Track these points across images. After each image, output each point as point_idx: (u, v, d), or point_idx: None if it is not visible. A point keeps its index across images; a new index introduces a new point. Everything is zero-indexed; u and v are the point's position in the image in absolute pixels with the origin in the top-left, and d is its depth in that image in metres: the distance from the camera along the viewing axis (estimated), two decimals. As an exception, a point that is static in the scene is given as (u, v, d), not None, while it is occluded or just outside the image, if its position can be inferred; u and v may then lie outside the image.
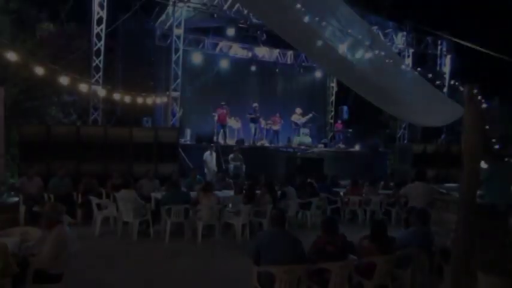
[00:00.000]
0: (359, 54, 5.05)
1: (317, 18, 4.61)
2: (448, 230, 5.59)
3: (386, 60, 5.02)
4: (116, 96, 9.53)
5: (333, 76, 17.86)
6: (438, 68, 15.73)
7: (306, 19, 4.57)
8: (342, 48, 4.97)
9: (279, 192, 8.22)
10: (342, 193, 9.63)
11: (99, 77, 10.85)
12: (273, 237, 3.89)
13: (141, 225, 7.13)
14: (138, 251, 6.34)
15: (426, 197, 6.09)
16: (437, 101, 6.47)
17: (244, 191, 7.97)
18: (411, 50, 15.39)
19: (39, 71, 6.59)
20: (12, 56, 5.84)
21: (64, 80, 7.41)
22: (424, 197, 6.07)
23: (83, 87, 8.36)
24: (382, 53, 4.99)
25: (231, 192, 8.23)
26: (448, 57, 16.02)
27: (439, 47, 16.14)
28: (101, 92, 9.50)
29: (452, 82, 15.05)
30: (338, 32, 4.84)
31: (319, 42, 5.04)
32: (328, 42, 4.83)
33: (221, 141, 13.22)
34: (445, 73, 15.84)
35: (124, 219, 7.05)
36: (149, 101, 10.21)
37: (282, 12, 4.76)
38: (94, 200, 7.30)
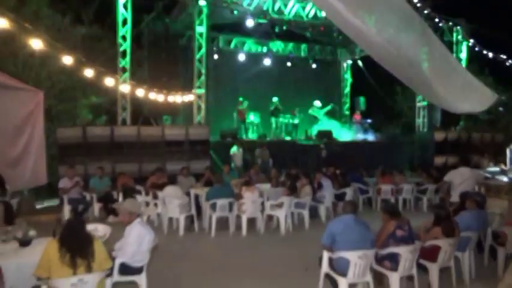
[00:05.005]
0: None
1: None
2: (495, 213, 5.73)
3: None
4: (144, 94, 9.65)
5: (348, 68, 18.05)
6: (455, 55, 15.70)
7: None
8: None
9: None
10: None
11: (126, 77, 10.98)
12: (347, 224, 4.03)
13: (185, 220, 7.27)
14: (188, 246, 6.51)
15: (474, 181, 6.20)
16: (472, 85, 6.53)
17: (281, 184, 8.11)
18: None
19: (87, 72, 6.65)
20: (67, 60, 5.96)
21: (98, 78, 7.44)
22: (471, 182, 6.18)
23: (112, 83, 8.37)
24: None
25: (267, 186, 8.36)
26: (465, 43, 16.02)
27: (454, 34, 16.14)
28: (128, 88, 9.55)
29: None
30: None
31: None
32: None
33: (243, 136, 13.36)
34: (462, 60, 15.84)
35: (169, 215, 7.20)
36: (177, 99, 10.34)
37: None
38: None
